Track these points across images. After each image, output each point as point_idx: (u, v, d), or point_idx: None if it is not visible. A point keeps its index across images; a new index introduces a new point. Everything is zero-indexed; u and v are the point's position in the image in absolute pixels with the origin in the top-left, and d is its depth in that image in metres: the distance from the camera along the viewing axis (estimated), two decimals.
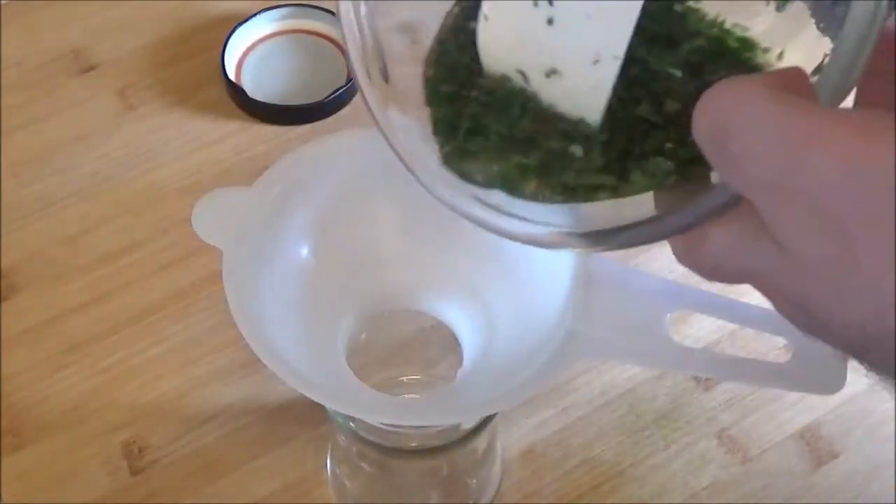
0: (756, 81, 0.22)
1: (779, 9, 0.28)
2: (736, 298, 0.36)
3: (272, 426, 0.49)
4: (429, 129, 0.32)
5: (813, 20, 0.26)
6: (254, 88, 0.61)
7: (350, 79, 0.53)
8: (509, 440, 0.48)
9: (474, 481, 0.46)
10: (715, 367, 0.38)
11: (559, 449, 0.48)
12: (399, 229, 0.40)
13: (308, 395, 0.32)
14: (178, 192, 0.58)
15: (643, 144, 0.28)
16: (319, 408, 0.37)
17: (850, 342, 0.22)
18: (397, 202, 0.40)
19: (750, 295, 0.27)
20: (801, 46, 0.27)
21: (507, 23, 0.28)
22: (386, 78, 0.32)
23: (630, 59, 0.27)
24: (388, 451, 0.38)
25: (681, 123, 0.27)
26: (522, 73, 0.28)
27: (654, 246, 0.27)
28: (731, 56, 0.29)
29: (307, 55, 0.63)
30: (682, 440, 0.49)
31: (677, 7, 0.29)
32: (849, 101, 0.25)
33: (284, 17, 0.64)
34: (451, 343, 0.41)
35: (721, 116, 0.22)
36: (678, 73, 0.28)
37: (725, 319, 0.40)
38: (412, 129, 0.32)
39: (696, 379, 0.51)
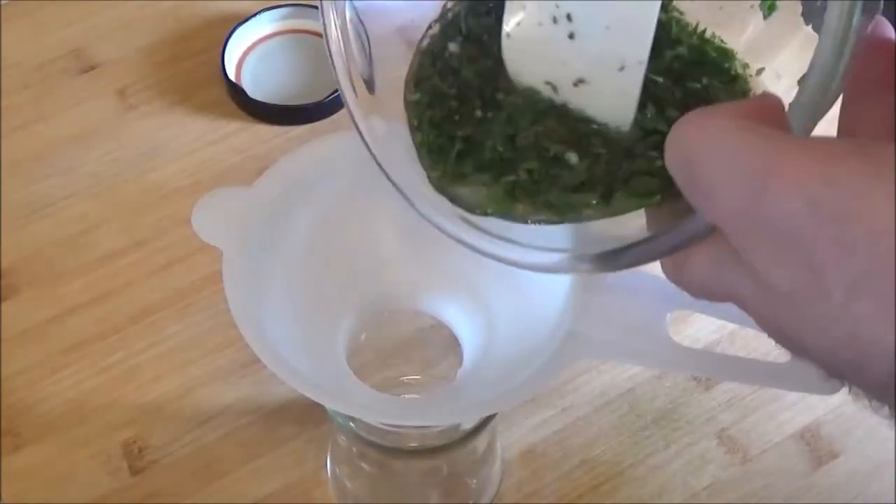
0: (725, 112, 0.22)
1: (765, 16, 0.28)
2: None
3: (272, 426, 0.49)
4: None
5: (798, 33, 0.27)
6: (254, 88, 0.61)
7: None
8: (509, 440, 0.48)
9: (474, 481, 0.46)
10: (715, 367, 0.38)
11: (559, 449, 0.48)
12: (399, 229, 0.40)
13: (308, 395, 0.32)
14: (178, 192, 0.58)
15: (628, 162, 0.28)
16: (319, 408, 0.37)
17: (826, 365, 0.22)
18: (397, 202, 0.40)
19: None
20: (785, 62, 0.27)
21: (528, 41, 0.29)
22: (371, 89, 0.32)
23: None
24: (388, 451, 0.38)
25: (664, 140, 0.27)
26: (551, 85, 0.29)
27: None
28: (710, 65, 0.29)
29: (307, 55, 0.63)
30: (682, 440, 0.49)
31: (661, 15, 0.29)
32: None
33: (284, 17, 0.64)
34: (451, 343, 0.41)
35: (687, 148, 0.22)
36: (660, 80, 0.29)
37: (725, 319, 0.40)
38: (398, 138, 0.32)
39: (696, 379, 0.51)
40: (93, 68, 0.64)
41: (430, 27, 0.33)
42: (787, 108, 0.23)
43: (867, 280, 0.19)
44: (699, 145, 0.22)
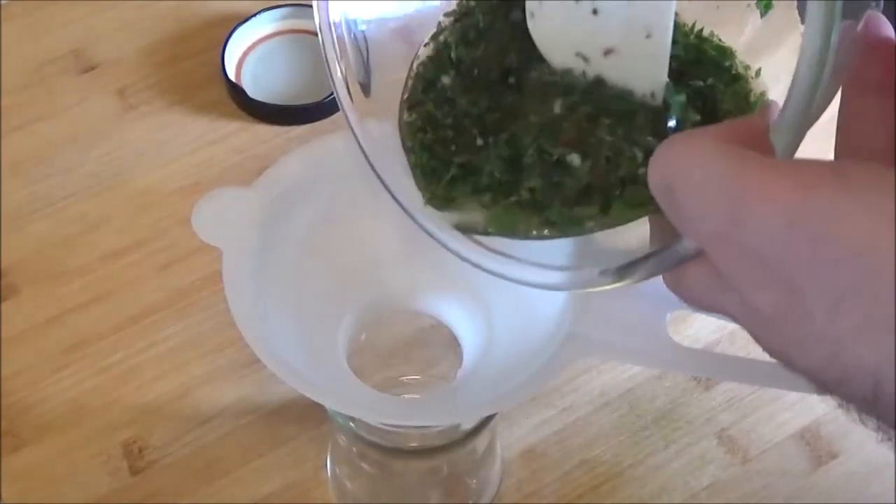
0: (706, 135, 0.22)
1: (762, 15, 0.28)
2: None
3: (272, 426, 0.49)
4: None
5: (795, 31, 0.27)
6: (254, 88, 0.61)
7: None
8: (509, 440, 0.48)
9: (474, 481, 0.46)
10: (715, 367, 0.38)
11: (559, 449, 0.48)
12: (399, 229, 0.40)
13: (308, 394, 0.32)
14: (178, 192, 0.58)
15: (624, 171, 0.28)
16: (319, 408, 0.37)
17: (814, 380, 0.22)
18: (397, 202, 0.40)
19: None
20: (784, 59, 0.27)
21: (553, 19, 0.29)
22: (367, 92, 0.32)
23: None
24: (388, 451, 0.38)
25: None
26: (582, 56, 0.29)
27: None
28: (710, 64, 0.29)
29: (307, 55, 0.63)
30: (682, 440, 0.49)
31: None
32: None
33: (284, 17, 0.64)
34: (450, 343, 0.42)
35: (668, 172, 0.22)
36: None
37: (725, 320, 0.40)
38: (395, 142, 0.32)
39: (696, 379, 0.51)
40: (93, 68, 0.64)
41: (425, 43, 0.33)
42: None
43: (847, 301, 0.19)
44: (679, 170, 0.22)
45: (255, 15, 0.64)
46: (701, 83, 0.29)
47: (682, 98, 0.28)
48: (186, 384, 0.50)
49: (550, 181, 0.29)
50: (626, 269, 0.27)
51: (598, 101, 0.29)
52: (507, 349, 0.38)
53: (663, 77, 0.28)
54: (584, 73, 0.29)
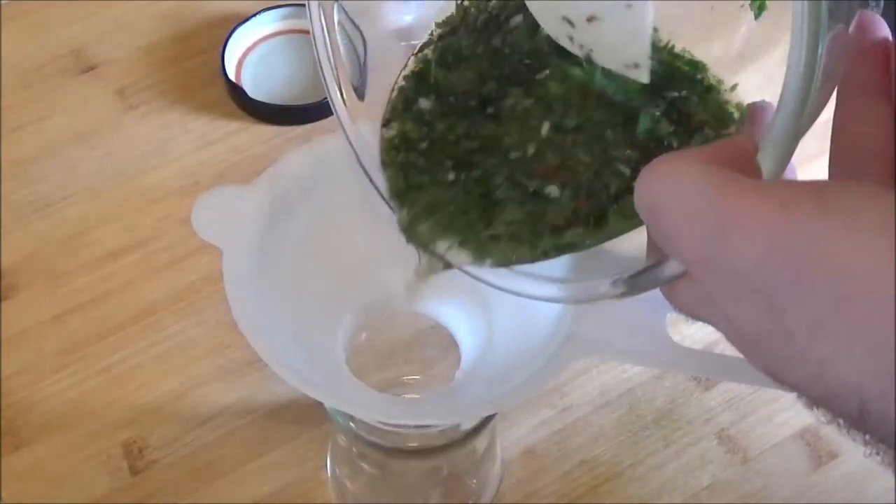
0: (690, 157, 0.22)
1: (756, 16, 0.28)
2: None
3: (272, 426, 0.49)
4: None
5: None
6: (254, 88, 0.61)
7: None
8: (509, 440, 0.48)
9: (474, 481, 0.46)
10: (715, 367, 0.37)
11: (559, 449, 0.48)
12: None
13: (309, 393, 0.32)
14: (178, 192, 0.58)
15: (614, 185, 0.28)
16: (319, 408, 0.37)
17: (802, 396, 0.22)
18: None
19: None
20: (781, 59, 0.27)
21: None
22: (360, 95, 0.33)
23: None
24: (388, 451, 0.38)
25: (649, 157, 0.28)
26: (568, 20, 0.29)
27: None
28: (682, 78, 0.30)
29: (307, 55, 0.63)
30: (682, 440, 0.49)
31: None
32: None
33: (284, 17, 0.64)
34: (450, 343, 0.42)
35: (652, 195, 0.23)
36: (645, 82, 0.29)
37: None
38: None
39: (696, 379, 0.51)
40: (93, 68, 0.64)
41: (414, 53, 0.33)
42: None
43: (828, 323, 0.19)
44: (662, 193, 0.22)
45: (255, 15, 0.64)
46: (675, 94, 0.29)
47: (654, 110, 0.28)
48: (186, 384, 0.50)
49: (532, 213, 0.29)
50: (627, 281, 0.27)
51: (573, 120, 0.29)
52: (507, 349, 0.38)
53: (646, 51, 0.28)
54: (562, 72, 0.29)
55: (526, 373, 0.34)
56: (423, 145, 0.31)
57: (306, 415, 0.49)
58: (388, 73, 0.33)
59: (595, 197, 0.29)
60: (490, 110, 0.31)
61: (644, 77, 0.29)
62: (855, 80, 0.26)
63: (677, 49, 0.31)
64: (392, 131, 0.32)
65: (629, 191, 0.28)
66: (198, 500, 0.47)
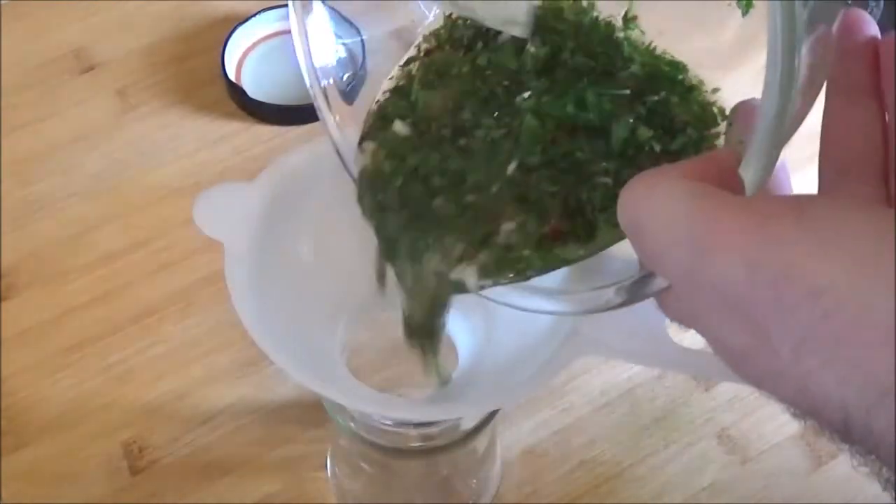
0: (672, 173, 0.22)
1: (743, 14, 0.28)
2: None
3: (272, 426, 0.49)
4: None
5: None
6: (254, 88, 0.61)
7: (353, 77, 0.53)
8: (509, 440, 0.48)
9: (474, 481, 0.46)
10: (715, 367, 0.37)
11: (559, 449, 0.48)
12: None
13: (315, 389, 0.32)
14: (178, 192, 0.58)
15: (598, 197, 0.28)
16: (319, 408, 0.37)
17: (791, 409, 0.22)
18: None
19: None
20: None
21: None
22: (349, 99, 0.32)
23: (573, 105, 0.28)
24: (388, 451, 0.38)
25: (632, 163, 0.27)
26: None
27: None
28: (663, 79, 0.30)
29: None
30: (682, 440, 0.49)
31: (618, 35, 0.30)
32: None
33: (284, 17, 0.64)
34: (449, 343, 0.41)
35: (633, 213, 0.23)
36: (626, 92, 0.29)
37: None
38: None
39: (696, 379, 0.51)
40: (93, 68, 0.64)
41: (401, 64, 0.33)
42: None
43: (810, 339, 0.19)
44: (643, 212, 0.22)
45: (255, 15, 0.64)
46: (655, 97, 0.29)
47: (629, 118, 0.28)
48: (186, 384, 0.50)
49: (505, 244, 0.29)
50: (628, 289, 0.27)
51: (537, 158, 0.29)
52: (507, 348, 0.38)
53: (523, 5, 0.28)
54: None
55: (525, 372, 0.34)
56: (397, 182, 0.31)
57: (306, 415, 0.49)
58: (388, 74, 0.33)
59: (581, 211, 0.28)
60: (462, 142, 0.31)
61: (523, 32, 0.29)
62: (842, 82, 0.26)
63: (661, 49, 0.30)
64: (366, 158, 0.32)
65: (614, 199, 0.28)
66: (198, 499, 0.47)
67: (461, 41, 0.32)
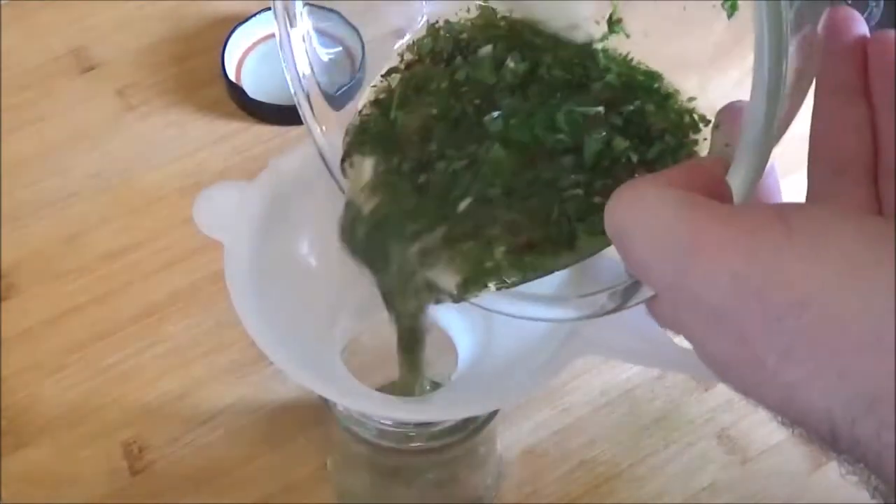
0: (657, 183, 0.22)
1: (729, 16, 0.28)
2: None
3: (272, 426, 0.49)
4: None
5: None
6: (254, 88, 0.61)
7: (352, 77, 0.53)
8: (509, 440, 0.48)
9: (474, 481, 0.46)
10: None
11: (559, 449, 0.48)
12: None
13: (315, 389, 0.32)
14: (178, 192, 0.58)
15: (573, 206, 0.28)
16: (319, 408, 0.37)
17: (780, 417, 0.22)
18: None
19: None
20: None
21: None
22: (335, 106, 0.33)
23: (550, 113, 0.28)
24: (388, 451, 0.38)
25: (607, 174, 0.27)
26: None
27: None
28: (639, 88, 0.30)
29: None
30: (682, 440, 0.49)
31: (595, 46, 0.30)
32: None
33: None
34: (449, 343, 0.41)
35: (619, 223, 0.22)
36: (600, 110, 0.29)
37: None
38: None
39: (696, 379, 0.51)
40: (93, 68, 0.64)
41: (383, 73, 0.33)
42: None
43: (795, 351, 0.19)
44: (629, 222, 0.22)
45: (255, 15, 0.64)
46: (630, 107, 0.29)
47: (600, 132, 0.28)
48: (186, 384, 0.50)
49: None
50: (622, 293, 0.27)
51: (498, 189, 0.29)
52: (507, 348, 0.38)
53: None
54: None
55: (525, 372, 0.34)
56: (361, 224, 0.32)
57: (306, 415, 0.49)
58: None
59: (553, 222, 0.28)
60: (422, 178, 0.30)
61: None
62: (831, 81, 0.26)
63: (646, 52, 0.30)
64: (343, 171, 0.32)
65: (592, 208, 0.28)
66: (198, 499, 0.47)
67: (441, 55, 0.32)
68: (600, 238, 0.27)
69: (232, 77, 0.62)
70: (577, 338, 0.34)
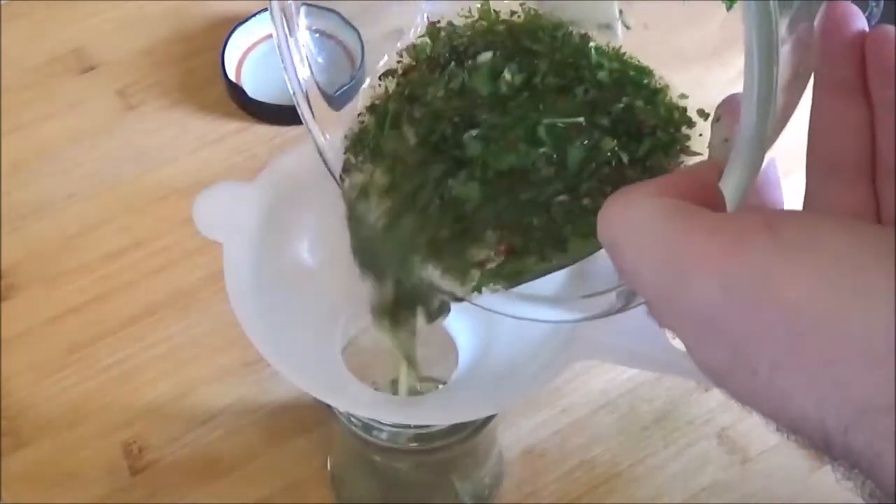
0: (647, 192, 0.22)
1: (728, 8, 0.28)
2: None
3: (272, 426, 0.49)
4: None
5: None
6: (254, 88, 0.61)
7: (352, 77, 0.53)
8: (509, 440, 0.48)
9: (474, 481, 0.46)
10: None
11: (559, 449, 0.48)
12: None
13: (311, 392, 0.32)
14: (178, 192, 0.58)
15: (560, 212, 0.28)
16: (319, 408, 0.37)
17: (774, 424, 0.22)
18: None
19: None
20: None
21: None
22: (335, 106, 0.33)
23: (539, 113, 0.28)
24: (388, 451, 0.38)
25: (597, 175, 0.27)
26: None
27: None
28: (630, 83, 0.29)
29: None
30: (681, 440, 0.49)
31: (581, 45, 0.30)
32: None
33: None
34: (449, 344, 0.41)
35: (610, 232, 0.22)
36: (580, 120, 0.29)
37: None
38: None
39: (696, 380, 0.51)
40: (93, 68, 0.64)
41: (379, 76, 0.33)
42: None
43: (787, 360, 0.19)
44: (619, 231, 0.22)
45: (255, 15, 0.64)
46: (620, 105, 0.29)
47: (580, 145, 0.28)
48: (186, 384, 0.50)
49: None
50: (626, 294, 0.27)
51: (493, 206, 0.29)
52: (507, 349, 0.38)
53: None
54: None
55: (525, 373, 0.34)
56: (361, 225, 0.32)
57: (306, 415, 0.49)
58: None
59: (535, 229, 0.28)
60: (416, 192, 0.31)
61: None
62: (828, 80, 0.26)
63: (642, 46, 0.30)
64: (343, 181, 0.32)
65: (581, 212, 0.28)
66: (198, 499, 0.47)
67: (438, 60, 0.32)
68: (590, 241, 0.27)
69: (232, 77, 0.62)
70: (577, 341, 0.34)
